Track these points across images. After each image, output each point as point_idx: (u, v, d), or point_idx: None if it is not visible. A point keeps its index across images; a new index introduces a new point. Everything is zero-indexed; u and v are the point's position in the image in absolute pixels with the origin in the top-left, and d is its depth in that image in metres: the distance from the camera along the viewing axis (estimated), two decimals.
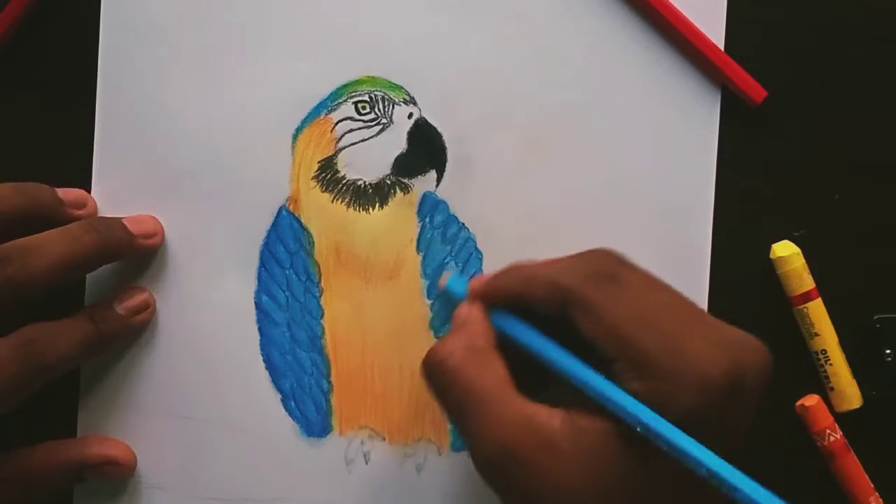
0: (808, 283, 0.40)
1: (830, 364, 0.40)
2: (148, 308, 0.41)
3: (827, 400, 0.40)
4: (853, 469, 0.40)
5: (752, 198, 0.41)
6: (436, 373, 0.34)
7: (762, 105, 0.40)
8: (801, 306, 0.40)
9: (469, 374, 0.33)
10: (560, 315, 0.33)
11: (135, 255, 0.40)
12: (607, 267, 0.34)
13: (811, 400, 0.40)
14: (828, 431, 0.40)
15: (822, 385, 0.40)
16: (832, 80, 0.41)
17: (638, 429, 0.31)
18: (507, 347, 0.35)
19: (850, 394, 0.40)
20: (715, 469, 0.30)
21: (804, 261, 0.40)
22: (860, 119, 0.41)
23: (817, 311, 0.40)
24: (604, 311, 0.32)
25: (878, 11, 0.41)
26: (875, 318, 0.40)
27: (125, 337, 0.41)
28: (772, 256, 0.40)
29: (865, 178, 0.41)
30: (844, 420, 0.40)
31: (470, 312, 0.36)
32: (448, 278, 0.39)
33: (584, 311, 0.33)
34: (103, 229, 0.38)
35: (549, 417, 0.32)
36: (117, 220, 0.39)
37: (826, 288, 0.40)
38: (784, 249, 0.40)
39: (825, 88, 0.41)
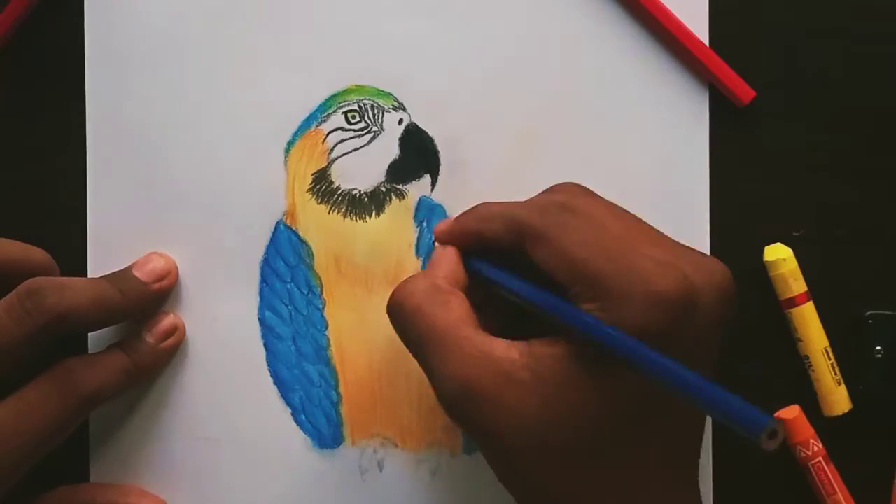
0: (794, 288, 0.39)
1: (813, 370, 0.39)
2: (177, 331, 0.41)
3: (817, 403, 0.40)
4: (832, 482, 0.39)
5: (749, 197, 0.41)
6: (397, 312, 0.34)
7: (758, 106, 0.40)
8: (787, 311, 0.39)
9: (429, 313, 0.33)
10: (520, 251, 0.33)
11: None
12: (563, 198, 0.34)
13: (791, 412, 0.39)
14: (811, 442, 0.39)
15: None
16: (824, 79, 0.41)
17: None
18: (486, 299, 0.35)
19: (831, 400, 0.39)
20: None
21: (794, 265, 0.39)
22: (857, 118, 0.41)
23: (801, 317, 0.39)
24: (555, 239, 0.32)
25: (870, 7, 0.40)
26: (867, 313, 0.40)
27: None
28: (764, 259, 0.40)
29: (866, 177, 0.41)
30: (834, 419, 0.40)
31: (442, 254, 0.36)
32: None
33: (537, 241, 0.33)
34: (121, 282, 0.38)
35: (507, 349, 0.31)
36: (127, 271, 0.40)
37: (820, 285, 0.40)
38: (773, 254, 0.39)
39: (817, 88, 0.41)
